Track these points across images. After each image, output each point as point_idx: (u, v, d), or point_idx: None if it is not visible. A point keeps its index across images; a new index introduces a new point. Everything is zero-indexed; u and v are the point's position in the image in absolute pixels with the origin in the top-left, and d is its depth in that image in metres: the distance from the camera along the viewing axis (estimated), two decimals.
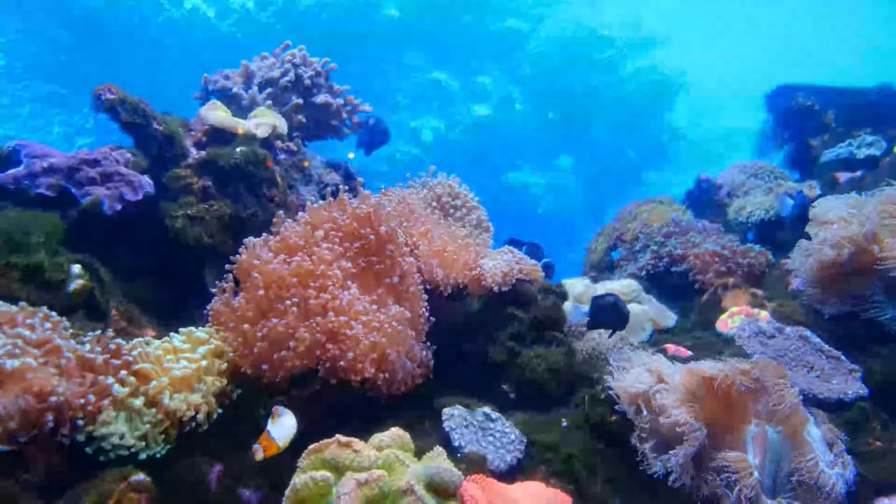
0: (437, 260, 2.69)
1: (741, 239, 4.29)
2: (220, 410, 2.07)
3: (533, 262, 2.95)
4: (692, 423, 1.95)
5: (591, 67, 16.08)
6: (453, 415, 2.21)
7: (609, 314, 2.63)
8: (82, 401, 1.73)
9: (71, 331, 1.96)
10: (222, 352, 2.19)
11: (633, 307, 3.64)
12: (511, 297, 2.78)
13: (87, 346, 1.90)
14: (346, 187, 3.18)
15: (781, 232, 4.06)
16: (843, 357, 2.72)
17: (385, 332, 2.17)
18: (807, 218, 3.11)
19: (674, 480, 1.95)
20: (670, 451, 1.97)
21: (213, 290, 2.37)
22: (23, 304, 1.92)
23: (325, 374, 2.12)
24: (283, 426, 1.80)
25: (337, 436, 1.64)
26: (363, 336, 2.09)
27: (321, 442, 1.63)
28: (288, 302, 2.14)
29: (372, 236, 2.43)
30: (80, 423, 1.73)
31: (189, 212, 2.84)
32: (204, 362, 2.08)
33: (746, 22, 17.35)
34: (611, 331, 2.77)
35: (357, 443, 1.64)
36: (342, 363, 2.07)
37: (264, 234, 2.50)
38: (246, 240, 2.41)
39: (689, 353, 3.02)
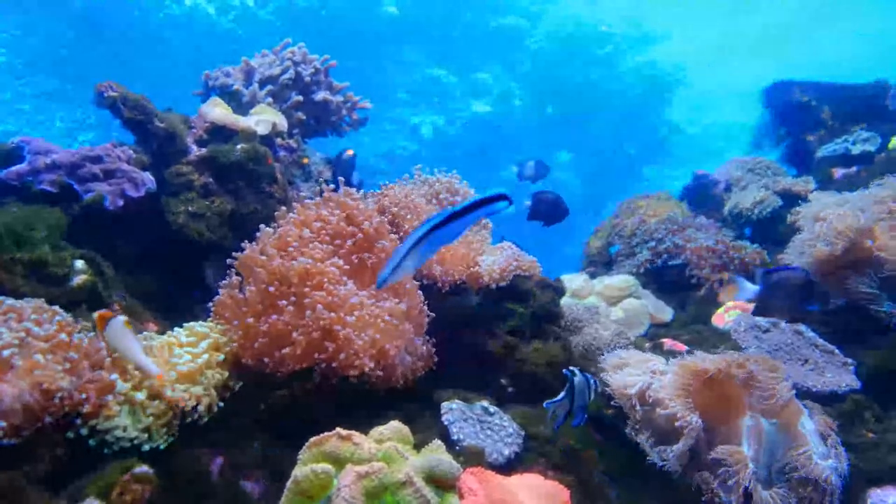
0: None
1: (738, 234, 4.32)
2: (220, 403, 2.09)
3: (531, 257, 2.97)
4: (689, 416, 1.98)
5: (590, 63, 16.09)
6: (452, 408, 2.23)
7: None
8: (86, 395, 1.75)
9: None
10: (219, 345, 2.21)
11: (631, 302, 3.68)
12: (509, 292, 2.80)
13: (93, 341, 1.92)
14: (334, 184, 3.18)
15: (779, 227, 4.09)
16: (836, 350, 2.75)
17: (379, 328, 2.18)
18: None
19: (672, 472, 1.99)
20: (670, 444, 2.00)
21: (215, 285, 2.39)
22: (33, 300, 1.93)
23: (323, 372, 2.14)
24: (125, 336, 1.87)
25: (337, 429, 1.65)
26: (354, 335, 2.09)
27: (321, 435, 1.65)
28: (286, 301, 2.15)
29: (364, 232, 2.43)
30: (84, 418, 1.75)
31: (190, 208, 2.87)
32: (206, 356, 2.10)
33: (744, 17, 17.32)
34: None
35: (357, 436, 1.65)
36: (335, 363, 2.08)
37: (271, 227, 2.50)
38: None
39: (686, 346, 3.05)
